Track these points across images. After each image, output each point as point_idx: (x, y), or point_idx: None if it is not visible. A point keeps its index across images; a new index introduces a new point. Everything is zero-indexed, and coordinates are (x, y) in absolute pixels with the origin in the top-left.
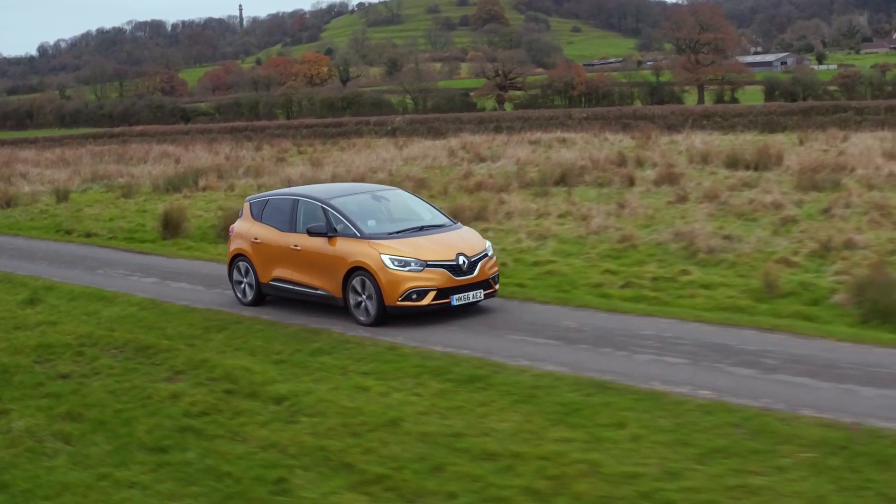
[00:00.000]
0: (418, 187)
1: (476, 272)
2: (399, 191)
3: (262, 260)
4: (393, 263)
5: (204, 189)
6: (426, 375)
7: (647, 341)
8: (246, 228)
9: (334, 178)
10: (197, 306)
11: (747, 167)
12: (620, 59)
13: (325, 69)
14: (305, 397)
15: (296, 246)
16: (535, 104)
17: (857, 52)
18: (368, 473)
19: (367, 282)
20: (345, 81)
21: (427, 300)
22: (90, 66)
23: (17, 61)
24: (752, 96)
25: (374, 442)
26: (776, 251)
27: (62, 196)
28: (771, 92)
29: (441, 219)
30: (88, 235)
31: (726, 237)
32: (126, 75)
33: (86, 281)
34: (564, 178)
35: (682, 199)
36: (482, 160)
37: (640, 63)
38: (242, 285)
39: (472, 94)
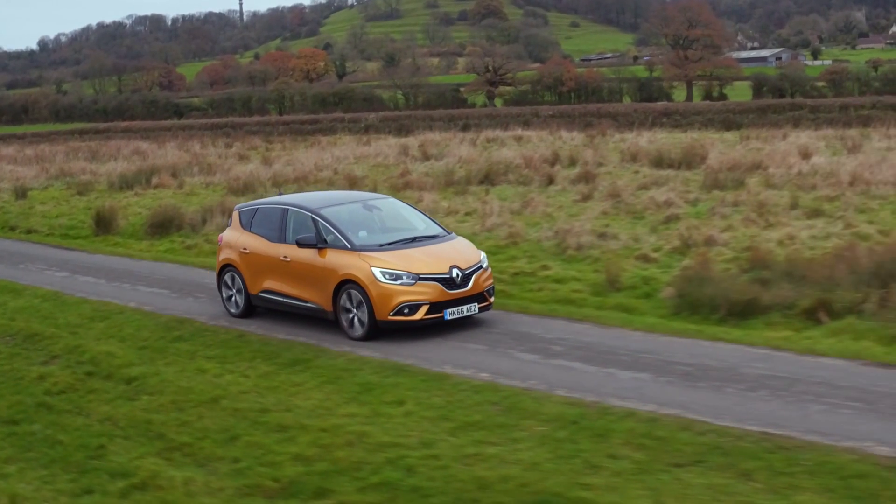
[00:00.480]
0: (352, 185)
1: (470, 285)
2: (392, 200)
3: (251, 271)
4: (384, 276)
5: (156, 187)
6: (259, 359)
7: (462, 330)
8: (235, 238)
9: (276, 177)
10: (91, 298)
11: (671, 166)
12: (618, 54)
13: (322, 64)
14: (152, 378)
15: (285, 257)
16: (526, 100)
17: (853, 48)
18: (175, 442)
19: (358, 295)
20: (341, 76)
21: (419, 315)
22: (89, 61)
23: (17, 55)
24: (741, 92)
25: (193, 416)
26: (641, 248)
27: (20, 194)
28: (759, 88)
29: (435, 229)
30: (29, 232)
31: (601, 235)
32: (125, 70)
33: (5, 275)
34: (489, 177)
35: (587, 197)
36: (427, 158)
37: (636, 58)
38: (231, 297)
39: (462, 89)
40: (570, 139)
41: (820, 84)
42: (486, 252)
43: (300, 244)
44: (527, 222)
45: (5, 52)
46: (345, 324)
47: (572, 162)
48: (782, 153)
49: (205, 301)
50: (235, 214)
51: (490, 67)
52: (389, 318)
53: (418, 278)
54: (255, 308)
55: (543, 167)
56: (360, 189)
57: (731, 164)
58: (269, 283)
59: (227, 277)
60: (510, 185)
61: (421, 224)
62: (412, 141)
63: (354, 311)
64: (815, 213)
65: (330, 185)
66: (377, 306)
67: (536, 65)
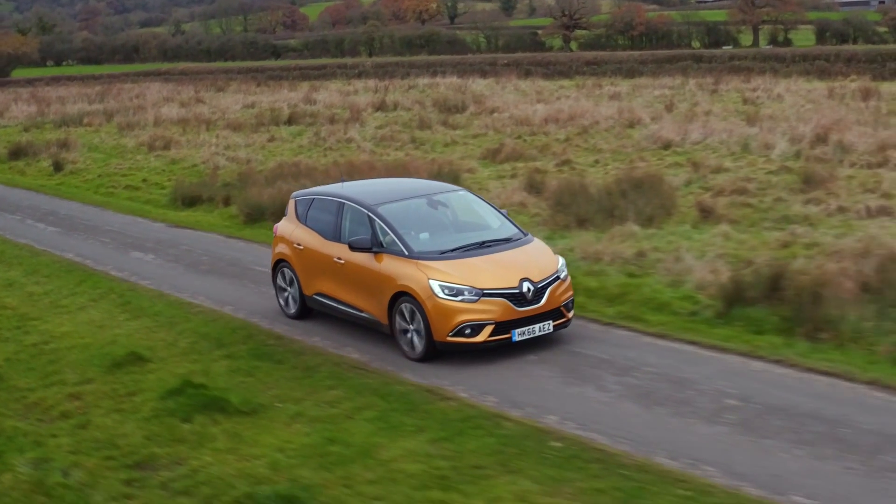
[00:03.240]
0: (203, 122)
1: (544, 300)
2: (464, 193)
3: (305, 270)
4: (443, 291)
5: (86, 125)
6: None
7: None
8: (289, 231)
9: (158, 117)
10: None
11: (449, 110)
12: None
13: (434, 5)
14: None
15: (339, 259)
16: (599, 44)
17: None
18: None
19: (414, 311)
20: (452, 18)
21: (483, 336)
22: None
23: None
24: (807, 37)
25: None
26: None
27: None
28: (822, 33)
29: (509, 229)
30: None
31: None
32: (250, 9)
33: None
34: (291, 119)
35: (317, 136)
36: (308, 103)
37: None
38: (286, 295)
39: (540, 32)
40: (468, 86)
41: (881, 29)
42: (160, 171)
43: (353, 248)
44: (231, 153)
45: None
46: (400, 339)
47: (395, 107)
48: (523, 101)
49: None
50: (291, 203)
51: (565, 11)
52: (448, 339)
53: (482, 294)
54: (311, 310)
55: (367, 111)
56: (197, 129)
57: (484, 109)
58: (324, 286)
59: (281, 274)
60: (298, 126)
61: (495, 222)
62: (354, 87)
63: (410, 327)
64: (417, 146)
65: (191, 124)
66: (434, 325)
67: (652, 7)
